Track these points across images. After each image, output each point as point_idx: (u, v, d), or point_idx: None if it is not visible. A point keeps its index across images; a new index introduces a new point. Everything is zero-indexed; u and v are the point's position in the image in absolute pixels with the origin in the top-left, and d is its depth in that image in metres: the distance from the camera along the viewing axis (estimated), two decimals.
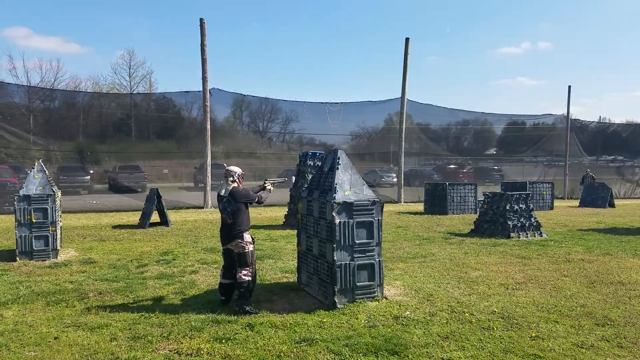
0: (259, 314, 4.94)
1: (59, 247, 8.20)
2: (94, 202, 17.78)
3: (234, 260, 5.25)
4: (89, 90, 37.42)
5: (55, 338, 4.32)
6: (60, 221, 8.78)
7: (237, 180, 5.34)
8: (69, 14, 71.34)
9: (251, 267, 5.21)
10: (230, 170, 5.34)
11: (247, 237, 5.22)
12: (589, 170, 22.87)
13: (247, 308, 5.00)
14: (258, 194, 5.50)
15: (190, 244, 9.56)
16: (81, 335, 4.38)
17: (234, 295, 5.26)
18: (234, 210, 5.19)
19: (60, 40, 69.97)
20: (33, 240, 7.86)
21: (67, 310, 5.17)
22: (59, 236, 8.26)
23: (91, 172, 21.83)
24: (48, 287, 6.10)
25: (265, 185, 5.72)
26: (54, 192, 8.08)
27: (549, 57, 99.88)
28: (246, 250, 5.17)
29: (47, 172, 8.38)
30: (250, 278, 5.15)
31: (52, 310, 5.16)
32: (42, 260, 7.81)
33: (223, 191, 5.28)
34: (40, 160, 8.49)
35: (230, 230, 5.20)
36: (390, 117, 25.24)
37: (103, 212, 16.23)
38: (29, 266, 7.45)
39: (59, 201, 8.44)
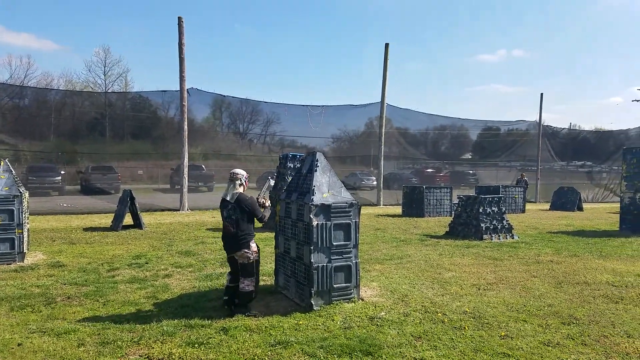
0: (258, 316, 4.91)
1: (25, 250, 7.93)
2: (65, 205, 17.28)
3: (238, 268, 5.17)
4: (61, 88, 36.48)
5: (18, 344, 4.17)
6: (28, 223, 8.49)
7: (244, 183, 5.13)
8: (43, 10, 69.60)
9: (254, 277, 5.12)
10: (237, 173, 5.11)
11: (253, 246, 5.10)
12: (523, 174, 23.30)
13: (246, 314, 4.94)
14: (263, 211, 5.21)
15: (164, 247, 9.38)
16: (47, 341, 4.23)
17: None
18: (238, 218, 5.00)
19: (33, 37, 68.11)
20: None
21: (32, 315, 5.00)
22: (25, 239, 7.98)
23: (62, 172, 21.21)
24: (13, 292, 5.88)
25: (263, 202, 5.36)
26: (20, 192, 7.81)
27: (523, 65, 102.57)
28: (251, 261, 5.06)
29: (14, 172, 8.10)
30: (252, 289, 5.07)
31: (17, 316, 4.97)
32: (8, 264, 7.53)
33: (229, 196, 5.06)
34: (6, 160, 8.20)
35: (236, 239, 5.03)
36: (370, 121, 25.44)
37: (74, 214, 15.79)
38: None
39: (26, 202, 8.16)
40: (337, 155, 25.71)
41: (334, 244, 5.25)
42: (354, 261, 5.36)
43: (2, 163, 8.04)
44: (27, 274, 6.97)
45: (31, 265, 7.54)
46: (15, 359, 3.87)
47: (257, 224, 12.73)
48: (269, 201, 5.50)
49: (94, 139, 22.27)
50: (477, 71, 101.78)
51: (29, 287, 6.17)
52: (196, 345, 4.13)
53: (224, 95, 22.72)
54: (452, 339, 4.33)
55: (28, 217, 8.57)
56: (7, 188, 7.74)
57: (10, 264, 7.55)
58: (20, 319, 4.86)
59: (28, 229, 8.45)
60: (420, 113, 25.90)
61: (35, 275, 6.85)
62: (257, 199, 5.35)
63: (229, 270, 5.34)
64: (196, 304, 5.39)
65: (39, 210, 15.24)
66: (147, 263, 7.75)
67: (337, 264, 5.26)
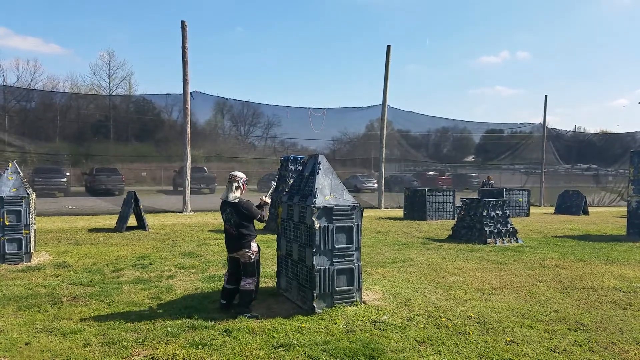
0: (259, 318, 4.94)
1: (32, 251, 8.00)
2: (70, 207, 17.39)
3: (239, 268, 5.27)
4: (66, 91, 36.70)
5: (26, 344, 4.21)
6: (35, 224, 8.57)
7: (241, 186, 5.25)
8: (50, 15, 70.13)
9: (256, 277, 5.24)
10: (235, 176, 5.24)
11: (254, 246, 5.23)
12: (490, 176, 22.97)
13: (247, 315, 4.99)
14: (261, 211, 5.34)
15: (168, 249, 9.43)
16: (53, 341, 4.28)
17: (234, 300, 5.29)
18: (237, 222, 5.15)
19: (40, 41, 68.61)
20: (5, 243, 7.64)
21: (39, 315, 5.05)
22: (32, 239, 8.06)
23: (67, 174, 21.37)
24: (20, 292, 5.94)
25: (265, 200, 5.50)
26: (28, 194, 7.89)
27: (526, 67, 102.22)
28: (252, 260, 5.19)
29: (21, 173, 8.18)
30: (253, 288, 5.19)
31: (24, 315, 5.02)
32: (15, 264, 7.60)
33: (229, 197, 5.16)
34: (14, 162, 8.29)
35: (237, 239, 5.18)
36: (371, 123, 25.40)
37: (79, 215, 15.89)
38: (1, 270, 7.24)
39: (33, 203, 8.24)
40: (338, 158, 25.68)
41: (336, 246, 5.27)
42: (356, 264, 5.38)
43: (10, 165, 8.13)
44: (34, 274, 7.03)
45: (38, 265, 7.61)
46: (23, 358, 3.92)
47: (259, 225, 12.83)
48: (269, 199, 5.61)
49: (99, 141, 22.39)
50: (480, 73, 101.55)
51: (35, 287, 6.23)
52: (200, 347, 4.16)
53: (226, 98, 22.78)
54: (457, 344, 4.33)
55: (35, 218, 8.65)
56: (15, 189, 7.83)
57: (18, 264, 7.63)
58: (28, 319, 4.92)
59: (35, 230, 8.53)
60: (422, 115, 25.80)
61: (41, 275, 6.92)
62: (262, 198, 5.51)
63: (228, 270, 5.43)
64: (199, 305, 5.42)
65: (45, 211, 15.36)
66: (151, 264, 7.80)
67: (339, 266, 5.28)
